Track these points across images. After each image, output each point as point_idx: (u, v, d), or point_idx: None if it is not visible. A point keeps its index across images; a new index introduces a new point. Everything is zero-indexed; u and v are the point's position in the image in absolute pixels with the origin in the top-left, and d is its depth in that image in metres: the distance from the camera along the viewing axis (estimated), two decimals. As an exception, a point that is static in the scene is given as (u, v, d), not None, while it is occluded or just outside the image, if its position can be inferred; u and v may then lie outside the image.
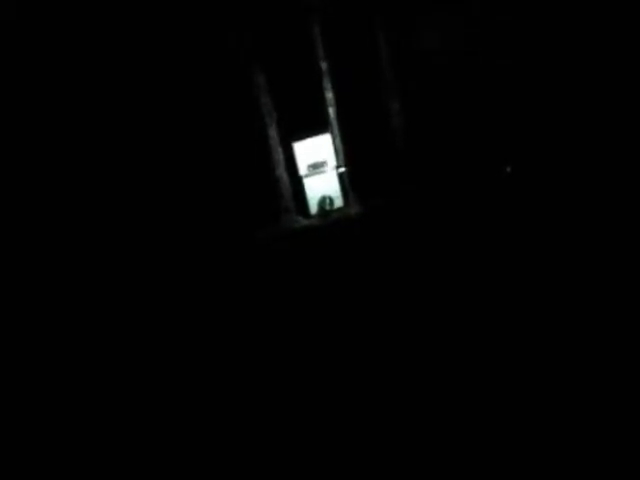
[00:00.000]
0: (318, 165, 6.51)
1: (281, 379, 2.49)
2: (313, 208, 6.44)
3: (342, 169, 6.55)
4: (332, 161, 6.53)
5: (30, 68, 6.03)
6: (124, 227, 6.25)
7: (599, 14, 6.36)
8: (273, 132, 6.57)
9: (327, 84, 6.70)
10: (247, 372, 2.59)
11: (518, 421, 1.71)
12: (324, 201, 6.42)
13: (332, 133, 6.60)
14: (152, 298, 5.11)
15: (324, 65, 6.76)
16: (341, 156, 6.58)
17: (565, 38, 6.62)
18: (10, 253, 5.74)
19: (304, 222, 6.41)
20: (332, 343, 2.76)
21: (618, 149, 6.21)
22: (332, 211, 6.42)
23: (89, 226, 6.23)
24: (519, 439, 1.71)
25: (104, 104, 6.37)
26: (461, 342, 2.35)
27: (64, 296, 5.40)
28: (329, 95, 6.66)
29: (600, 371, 1.89)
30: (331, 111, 6.63)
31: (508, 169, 6.68)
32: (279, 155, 6.53)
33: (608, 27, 6.34)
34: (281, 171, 6.51)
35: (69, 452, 2.15)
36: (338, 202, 6.48)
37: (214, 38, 6.54)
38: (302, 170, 6.53)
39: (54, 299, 5.36)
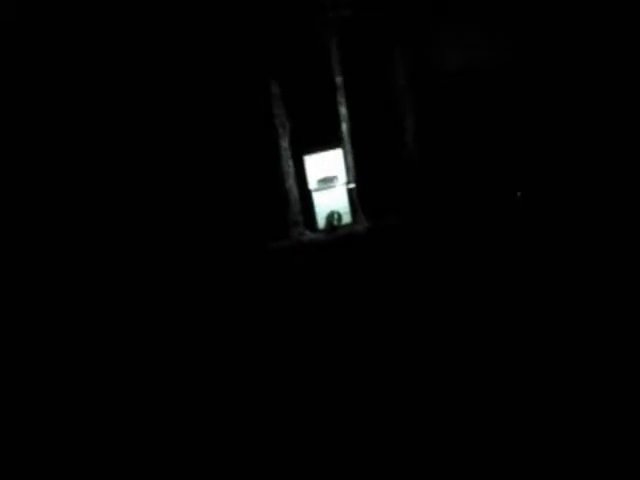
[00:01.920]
0: (328, 180, 6.49)
1: (285, 379, 2.47)
2: (321, 222, 6.41)
3: (352, 185, 6.52)
4: (342, 177, 6.51)
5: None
6: (137, 234, 6.22)
7: (625, 46, 6.36)
8: (285, 144, 6.55)
9: (341, 99, 6.69)
10: (252, 371, 2.58)
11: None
12: (332, 216, 6.39)
13: (344, 148, 6.58)
14: (165, 300, 5.08)
15: (339, 80, 6.75)
16: (352, 172, 6.56)
17: (583, 61, 6.62)
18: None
19: (311, 236, 6.37)
20: (333, 351, 2.74)
21: (631, 177, 6.18)
22: (340, 227, 6.39)
23: (106, 239, 6.21)
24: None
25: (118, 112, 6.36)
26: (464, 358, 2.32)
27: (86, 299, 5.36)
28: (343, 110, 6.65)
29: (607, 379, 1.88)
30: (344, 126, 6.62)
31: (519, 194, 6.65)
32: (290, 167, 6.51)
33: (632, 61, 6.33)
34: (291, 184, 6.48)
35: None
36: (346, 218, 6.45)
37: (232, 48, 6.54)
38: (312, 184, 6.50)
39: (75, 300, 5.32)
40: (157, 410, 2.47)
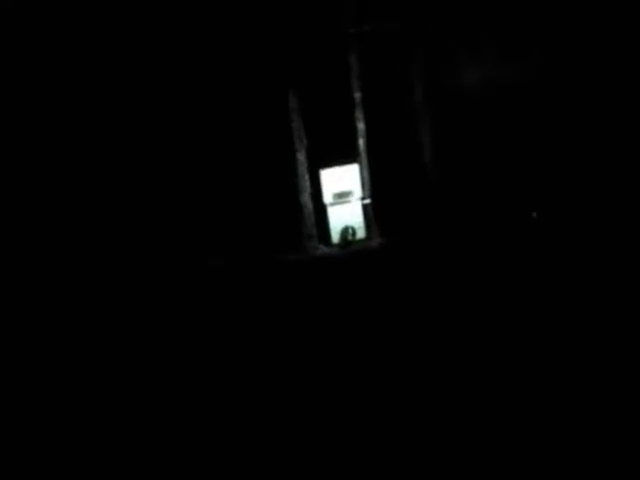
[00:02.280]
0: (344, 194, 6.52)
1: (294, 387, 2.49)
2: (335, 237, 6.43)
3: (367, 201, 6.54)
4: (358, 192, 6.54)
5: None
6: (149, 244, 6.29)
7: None
8: (302, 157, 6.60)
9: (359, 115, 6.73)
10: (261, 381, 2.60)
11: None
12: (347, 231, 6.41)
13: (360, 164, 6.61)
14: (178, 309, 5.12)
15: (357, 95, 6.80)
16: (367, 187, 6.59)
17: (600, 79, 6.60)
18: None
19: (325, 250, 6.40)
20: (344, 363, 2.76)
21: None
22: (354, 242, 6.41)
23: (123, 244, 6.27)
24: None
25: (130, 119, 6.44)
26: (475, 371, 2.33)
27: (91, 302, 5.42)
28: (360, 126, 6.69)
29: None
30: (361, 142, 6.65)
31: (534, 214, 6.63)
32: (306, 181, 6.55)
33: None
34: (306, 197, 6.52)
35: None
36: (360, 233, 6.46)
37: (252, 62, 6.62)
38: (327, 198, 6.54)
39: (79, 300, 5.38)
40: (169, 410, 2.49)
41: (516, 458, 1.65)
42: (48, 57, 6.11)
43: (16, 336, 4.17)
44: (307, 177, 6.57)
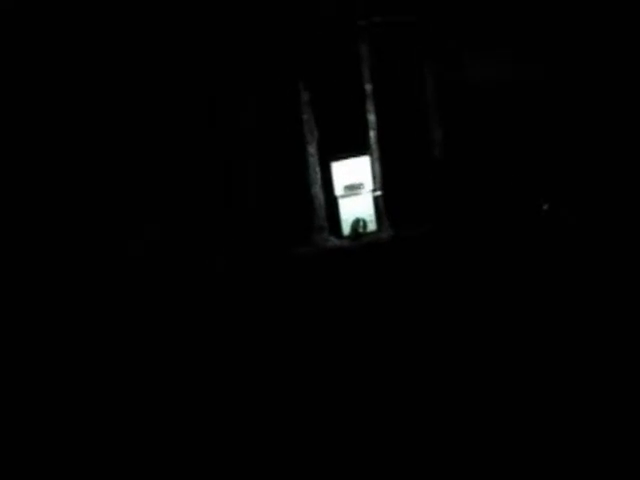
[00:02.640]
0: (355, 187, 6.53)
1: (302, 382, 2.52)
2: (346, 229, 6.46)
3: (378, 193, 6.56)
4: (369, 184, 6.55)
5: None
6: (162, 237, 6.33)
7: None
8: (313, 150, 6.61)
9: (370, 106, 6.73)
10: (270, 375, 2.63)
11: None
12: (357, 223, 6.44)
13: (371, 156, 6.62)
14: (189, 303, 5.17)
15: (369, 87, 6.79)
16: (378, 180, 6.59)
17: (611, 76, 6.56)
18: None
19: (336, 242, 6.43)
20: (353, 356, 2.78)
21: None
22: (364, 234, 6.43)
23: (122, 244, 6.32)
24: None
25: (132, 119, 6.47)
26: (486, 365, 2.35)
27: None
28: (371, 118, 6.68)
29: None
30: (372, 134, 6.65)
31: (545, 206, 6.62)
32: (317, 173, 6.56)
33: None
34: (317, 189, 6.54)
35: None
36: (371, 226, 6.49)
37: (262, 54, 6.62)
38: (338, 190, 6.55)
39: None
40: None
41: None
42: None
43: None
44: (318, 169, 6.59)
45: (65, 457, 2.16)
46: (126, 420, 2.42)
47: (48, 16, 6.05)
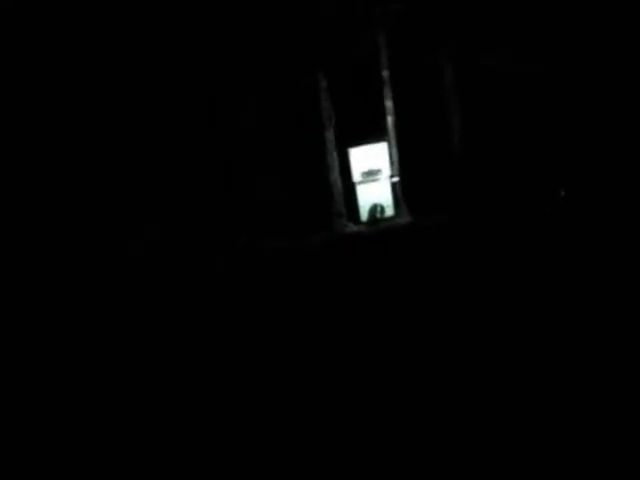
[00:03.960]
0: (372, 173, 6.58)
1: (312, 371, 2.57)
2: (364, 215, 6.52)
3: (396, 179, 6.60)
4: (386, 170, 6.59)
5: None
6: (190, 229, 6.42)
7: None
8: (331, 136, 6.65)
9: (388, 92, 6.74)
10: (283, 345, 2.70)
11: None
12: (375, 209, 6.50)
13: (389, 142, 6.65)
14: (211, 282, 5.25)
15: (386, 73, 6.80)
16: (396, 166, 6.63)
17: (622, 65, 6.51)
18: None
19: (354, 228, 6.50)
20: (370, 342, 2.84)
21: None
22: (382, 220, 6.49)
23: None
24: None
25: (150, 102, 6.51)
26: (501, 353, 2.41)
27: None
28: (389, 104, 6.70)
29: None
30: (389, 120, 6.67)
31: (563, 192, 6.62)
32: (334, 160, 6.61)
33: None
34: (335, 176, 6.59)
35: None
36: (389, 211, 6.54)
37: (281, 42, 6.64)
38: (356, 176, 6.61)
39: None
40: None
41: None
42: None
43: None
44: (336, 156, 6.64)
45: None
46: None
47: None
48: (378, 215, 6.42)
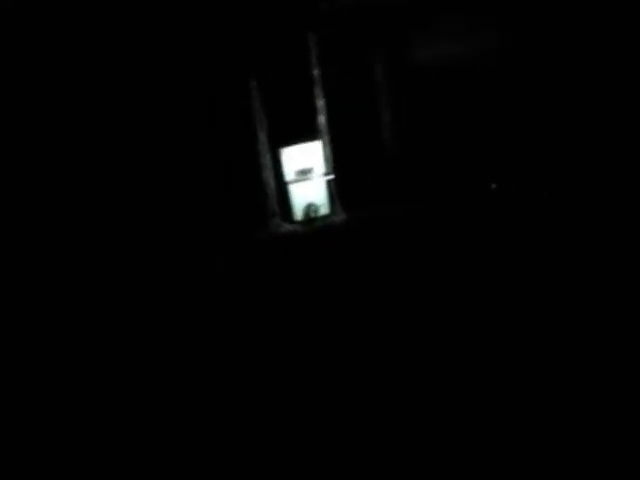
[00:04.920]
0: (306, 172, 6.53)
1: (271, 372, 2.49)
2: (298, 214, 6.45)
3: (330, 176, 6.57)
4: (320, 168, 6.55)
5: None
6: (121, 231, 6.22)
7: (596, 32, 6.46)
8: (263, 137, 6.58)
9: (318, 92, 6.73)
10: (236, 363, 2.60)
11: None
12: (309, 208, 6.44)
13: (322, 140, 6.62)
14: (150, 295, 5.09)
15: (316, 72, 6.79)
16: (330, 164, 6.60)
17: (558, 54, 6.71)
18: (12, 254, 5.66)
19: (289, 227, 6.41)
20: (313, 344, 2.76)
21: (604, 168, 6.29)
22: (317, 218, 6.44)
23: (92, 234, 6.19)
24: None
25: (110, 106, 6.34)
26: (447, 345, 2.36)
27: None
28: (320, 103, 6.69)
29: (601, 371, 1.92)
30: (322, 119, 6.66)
31: (494, 185, 6.73)
32: (267, 160, 6.54)
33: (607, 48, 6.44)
34: (268, 176, 6.51)
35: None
36: (324, 210, 6.49)
37: (211, 43, 6.56)
38: (289, 176, 6.54)
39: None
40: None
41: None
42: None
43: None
44: (268, 156, 6.57)
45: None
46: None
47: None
48: (312, 214, 6.36)
